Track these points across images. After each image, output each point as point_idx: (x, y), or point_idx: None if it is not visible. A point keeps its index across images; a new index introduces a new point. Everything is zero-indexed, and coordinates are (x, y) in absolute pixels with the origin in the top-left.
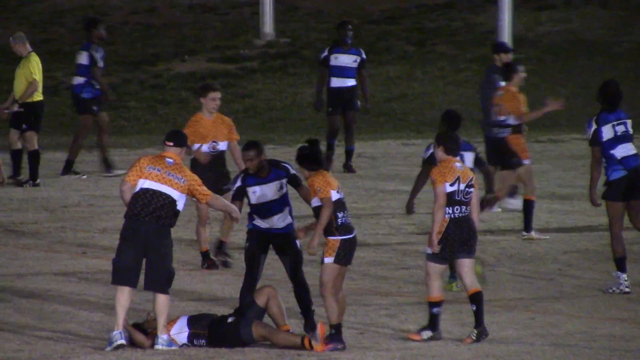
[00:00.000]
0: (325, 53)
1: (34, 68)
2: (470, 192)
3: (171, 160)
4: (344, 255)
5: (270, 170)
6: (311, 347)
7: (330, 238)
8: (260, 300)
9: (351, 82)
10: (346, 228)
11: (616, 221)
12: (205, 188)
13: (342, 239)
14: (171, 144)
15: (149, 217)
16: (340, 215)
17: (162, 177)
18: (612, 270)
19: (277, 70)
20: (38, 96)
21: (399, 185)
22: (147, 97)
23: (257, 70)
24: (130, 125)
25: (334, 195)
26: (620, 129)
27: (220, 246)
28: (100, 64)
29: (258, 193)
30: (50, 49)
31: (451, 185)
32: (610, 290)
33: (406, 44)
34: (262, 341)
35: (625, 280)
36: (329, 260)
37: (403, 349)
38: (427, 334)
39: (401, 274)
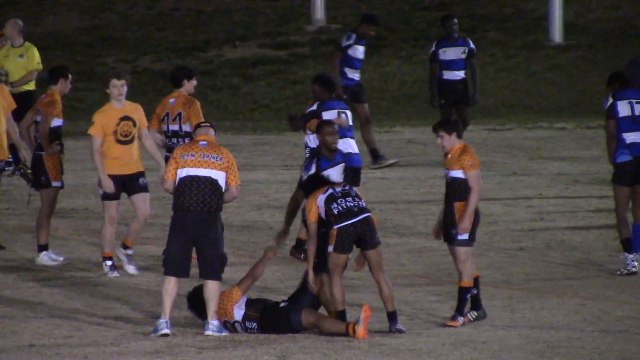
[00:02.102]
0: (433, 48)
1: (39, 58)
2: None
3: (204, 142)
4: (341, 243)
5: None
6: (354, 333)
7: (332, 228)
8: (314, 287)
9: (461, 74)
10: (345, 215)
11: (621, 204)
12: (238, 173)
13: (337, 228)
14: (207, 124)
15: (195, 204)
16: (334, 205)
17: (197, 161)
18: None
19: (328, 56)
20: (31, 85)
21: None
22: (198, 83)
23: (307, 56)
24: None
25: (320, 200)
26: (639, 107)
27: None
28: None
29: (331, 177)
30: (101, 35)
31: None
32: (618, 272)
33: (459, 30)
34: (312, 328)
35: (633, 260)
36: (330, 249)
37: (453, 334)
38: (472, 314)
39: (451, 260)
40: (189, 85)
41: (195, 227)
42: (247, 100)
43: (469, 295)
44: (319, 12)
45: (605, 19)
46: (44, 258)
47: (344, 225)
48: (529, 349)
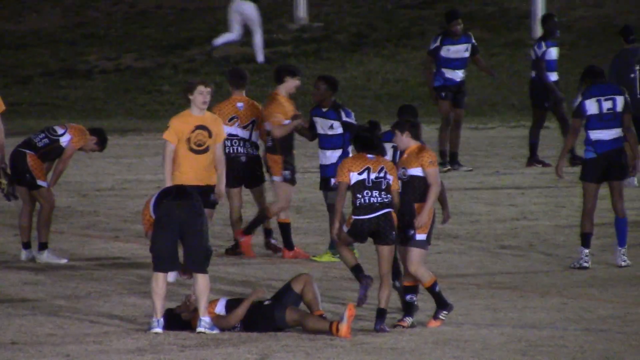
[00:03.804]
0: (437, 43)
1: None
2: None
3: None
4: (355, 232)
5: None
6: (337, 332)
7: (350, 216)
8: (297, 287)
9: (461, 74)
10: (365, 209)
11: (588, 200)
12: None
13: (355, 219)
14: None
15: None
16: (359, 196)
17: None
18: None
19: (311, 55)
20: None
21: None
22: (181, 81)
23: (290, 54)
24: (164, 109)
25: (354, 178)
26: (607, 105)
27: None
28: None
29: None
30: (84, 32)
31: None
32: (572, 266)
33: (439, 29)
34: (295, 325)
35: (587, 256)
36: (345, 228)
37: (436, 333)
38: (443, 314)
39: (434, 259)
40: (290, 84)
41: (182, 218)
42: None
43: (437, 289)
44: (302, 10)
45: (587, 17)
46: (46, 256)
47: (360, 218)
48: (512, 347)
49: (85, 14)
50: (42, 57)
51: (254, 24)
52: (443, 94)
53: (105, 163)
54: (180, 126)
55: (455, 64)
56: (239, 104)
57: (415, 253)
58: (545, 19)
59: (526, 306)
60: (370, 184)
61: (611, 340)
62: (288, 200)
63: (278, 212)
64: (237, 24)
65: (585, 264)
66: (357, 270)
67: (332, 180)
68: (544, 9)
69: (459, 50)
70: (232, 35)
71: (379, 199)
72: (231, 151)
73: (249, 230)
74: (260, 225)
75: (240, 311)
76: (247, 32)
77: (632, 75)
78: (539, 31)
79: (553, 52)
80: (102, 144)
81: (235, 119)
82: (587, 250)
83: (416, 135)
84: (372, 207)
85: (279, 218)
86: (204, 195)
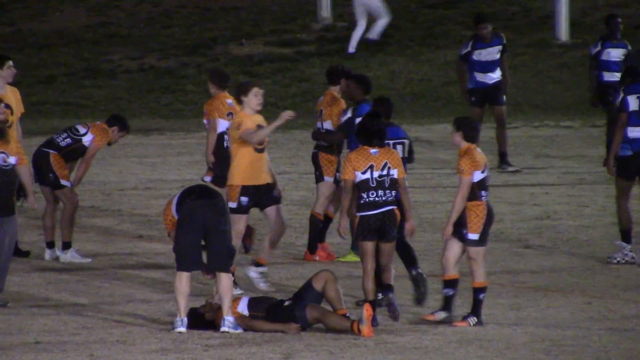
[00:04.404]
0: (468, 48)
1: None
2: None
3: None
4: (362, 231)
5: None
6: (359, 332)
7: (356, 215)
8: (318, 285)
9: (495, 76)
10: (370, 206)
11: (622, 195)
12: None
13: (360, 216)
14: None
15: (205, 193)
16: (364, 195)
17: None
18: None
19: (335, 54)
20: None
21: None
22: (205, 81)
23: (314, 54)
24: (187, 108)
25: (359, 177)
26: None
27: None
28: None
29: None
30: (108, 32)
31: (482, 172)
32: (615, 261)
33: (463, 29)
34: (317, 324)
35: (631, 252)
36: (356, 237)
37: (459, 332)
38: (473, 320)
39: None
40: (344, 85)
41: (205, 217)
42: None
43: (482, 296)
44: (326, 10)
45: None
46: (70, 255)
47: (366, 214)
48: (535, 347)
49: (108, 13)
50: (66, 56)
51: (380, 13)
52: (473, 99)
53: (129, 162)
54: (251, 126)
55: (487, 67)
56: (229, 101)
57: (469, 251)
58: (607, 20)
59: (550, 305)
60: (374, 184)
61: (635, 340)
62: (329, 199)
63: (326, 209)
64: (362, 17)
65: (632, 260)
66: (372, 304)
67: None
68: (567, 9)
69: (490, 53)
70: (359, 29)
71: (383, 197)
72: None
73: (314, 244)
74: (319, 231)
75: (267, 327)
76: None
77: None
78: (562, 31)
79: (612, 53)
80: (125, 128)
81: (231, 115)
82: (629, 246)
83: (470, 137)
84: (376, 205)
85: (319, 214)
86: (269, 192)
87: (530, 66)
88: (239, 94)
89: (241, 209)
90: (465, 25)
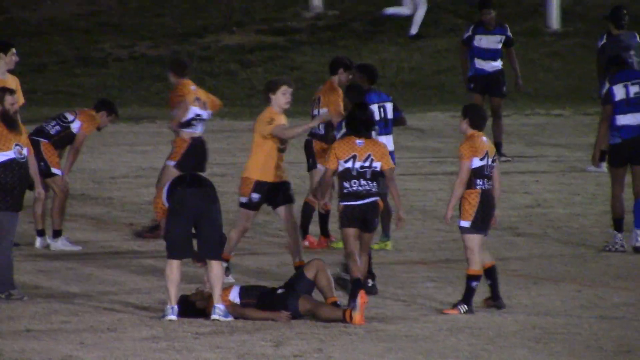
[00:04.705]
0: (469, 32)
1: None
2: (494, 166)
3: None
4: (346, 220)
5: None
6: (351, 319)
7: (339, 204)
8: (310, 273)
9: (496, 65)
10: (353, 196)
11: (615, 183)
12: None
13: (344, 205)
14: None
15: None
16: (346, 184)
17: None
18: None
19: (326, 43)
20: None
21: (447, 158)
22: (195, 69)
23: (305, 42)
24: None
25: (342, 165)
26: (634, 89)
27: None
28: None
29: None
30: (99, 20)
31: (481, 159)
32: (607, 249)
33: (454, 17)
34: (308, 314)
35: (621, 240)
36: (339, 224)
37: (449, 320)
38: (463, 307)
39: (448, 246)
40: (343, 76)
41: (195, 205)
42: (245, 86)
43: (474, 284)
44: None
45: (602, 5)
46: (61, 243)
47: (350, 204)
48: (526, 335)
49: (99, 2)
50: (57, 45)
51: (420, 1)
52: (472, 85)
53: (119, 150)
54: (285, 122)
55: (487, 54)
56: (193, 87)
57: (463, 238)
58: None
59: (540, 293)
60: (355, 173)
61: (625, 327)
62: None
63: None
64: (409, 2)
65: (621, 248)
66: (357, 283)
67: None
68: None
69: (491, 41)
70: (420, 11)
71: (365, 187)
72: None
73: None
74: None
75: (258, 315)
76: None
77: (630, 61)
78: (553, 20)
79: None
80: (113, 112)
81: (198, 101)
82: (620, 235)
83: (475, 124)
84: (358, 195)
85: (312, 202)
86: (285, 190)
87: (521, 54)
88: (267, 91)
89: (250, 205)
90: (456, 14)
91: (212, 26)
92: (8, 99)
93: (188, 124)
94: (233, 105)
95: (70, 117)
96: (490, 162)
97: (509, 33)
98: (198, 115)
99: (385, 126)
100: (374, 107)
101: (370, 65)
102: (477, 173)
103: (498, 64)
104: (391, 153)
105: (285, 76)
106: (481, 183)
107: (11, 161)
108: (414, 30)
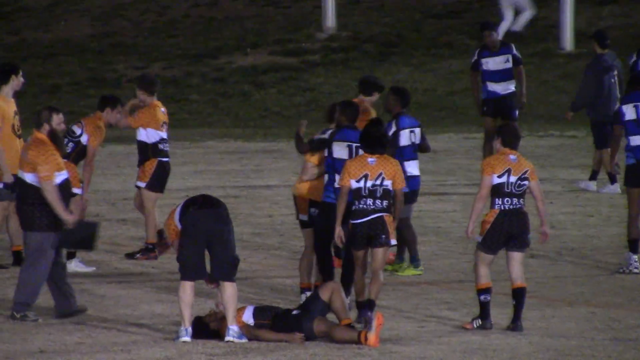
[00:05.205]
0: (475, 57)
1: None
2: (523, 184)
3: None
4: (353, 241)
5: None
6: (366, 341)
7: (349, 222)
8: (324, 295)
9: (509, 87)
10: (360, 213)
11: (632, 204)
12: None
13: (352, 223)
14: None
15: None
16: (356, 202)
17: None
18: None
19: (339, 64)
20: None
21: (460, 179)
22: (209, 90)
23: (319, 63)
24: (192, 118)
25: (353, 185)
26: None
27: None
28: None
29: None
30: (112, 42)
31: (499, 177)
32: (621, 270)
33: (468, 38)
34: (323, 336)
35: (636, 262)
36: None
37: (464, 342)
38: (477, 322)
39: (463, 267)
40: (374, 98)
41: (208, 226)
42: (258, 107)
43: (482, 297)
44: (330, 19)
45: (615, 27)
46: (74, 264)
47: (355, 222)
48: (540, 357)
49: (113, 23)
50: (71, 66)
51: (525, 7)
52: (485, 108)
53: (133, 171)
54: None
55: (497, 76)
56: (163, 109)
57: (475, 252)
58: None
59: (554, 315)
60: (366, 193)
61: (639, 350)
62: None
63: None
64: (508, 10)
65: (635, 270)
66: (360, 305)
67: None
68: (572, 19)
69: (497, 62)
70: (505, 22)
71: (373, 206)
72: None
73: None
74: None
75: (272, 337)
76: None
77: (613, 80)
78: (567, 41)
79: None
80: (116, 104)
81: (165, 125)
82: (635, 256)
83: (507, 142)
84: (365, 212)
85: None
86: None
87: (535, 76)
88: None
89: (312, 221)
90: (469, 35)
91: (225, 47)
92: (55, 118)
93: (156, 147)
94: (246, 127)
95: (77, 130)
96: (515, 180)
97: (515, 51)
98: (163, 139)
99: (415, 151)
100: (405, 132)
101: (405, 90)
102: (496, 191)
103: (511, 86)
104: (417, 177)
105: (229, 87)
106: (499, 202)
107: (67, 181)
108: (517, 27)
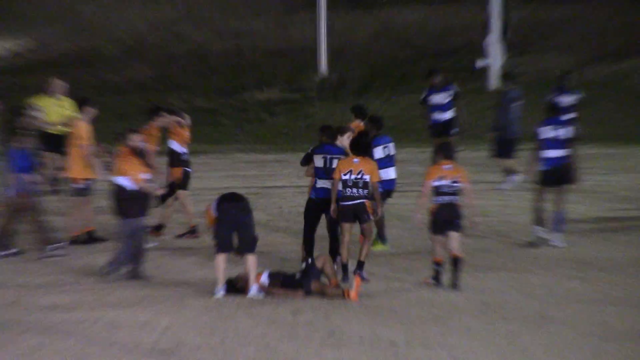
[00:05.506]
0: (424, 94)
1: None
2: (456, 186)
3: None
4: (342, 216)
5: None
6: (348, 296)
7: (339, 204)
8: (318, 264)
9: (446, 115)
10: (346, 199)
11: (538, 198)
12: None
13: (341, 205)
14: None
15: (235, 196)
16: (344, 190)
17: None
18: None
19: (330, 98)
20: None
21: (417, 181)
22: (236, 117)
23: (315, 98)
24: (223, 137)
25: (342, 177)
26: (562, 132)
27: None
28: None
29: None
30: (166, 82)
31: (436, 181)
32: (532, 244)
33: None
34: (318, 293)
35: (539, 231)
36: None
37: (418, 297)
38: (432, 281)
39: (416, 244)
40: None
41: (235, 215)
42: (272, 129)
43: (436, 267)
44: (323, 65)
45: (531, 72)
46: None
47: (345, 204)
48: (472, 307)
49: (167, 67)
50: (135, 99)
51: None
52: (431, 131)
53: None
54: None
55: (439, 108)
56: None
57: (429, 237)
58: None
59: (483, 278)
60: (351, 183)
61: (541, 301)
62: None
63: None
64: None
65: (541, 233)
66: (344, 266)
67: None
68: (499, 65)
69: (440, 97)
70: (489, 60)
71: (356, 193)
72: None
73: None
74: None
75: (282, 293)
76: None
77: (515, 113)
78: (494, 81)
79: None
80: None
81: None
82: (538, 227)
83: (445, 156)
84: (351, 198)
85: None
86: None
87: (471, 106)
88: (337, 133)
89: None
90: (422, 78)
91: (247, 86)
92: (134, 137)
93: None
94: (263, 143)
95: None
96: (449, 183)
97: (455, 89)
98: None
99: (389, 161)
100: (379, 148)
101: (379, 117)
102: (435, 191)
103: (448, 115)
104: (393, 180)
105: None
106: (438, 199)
107: (149, 180)
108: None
